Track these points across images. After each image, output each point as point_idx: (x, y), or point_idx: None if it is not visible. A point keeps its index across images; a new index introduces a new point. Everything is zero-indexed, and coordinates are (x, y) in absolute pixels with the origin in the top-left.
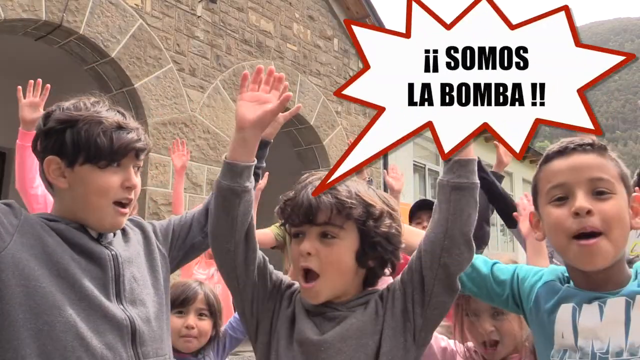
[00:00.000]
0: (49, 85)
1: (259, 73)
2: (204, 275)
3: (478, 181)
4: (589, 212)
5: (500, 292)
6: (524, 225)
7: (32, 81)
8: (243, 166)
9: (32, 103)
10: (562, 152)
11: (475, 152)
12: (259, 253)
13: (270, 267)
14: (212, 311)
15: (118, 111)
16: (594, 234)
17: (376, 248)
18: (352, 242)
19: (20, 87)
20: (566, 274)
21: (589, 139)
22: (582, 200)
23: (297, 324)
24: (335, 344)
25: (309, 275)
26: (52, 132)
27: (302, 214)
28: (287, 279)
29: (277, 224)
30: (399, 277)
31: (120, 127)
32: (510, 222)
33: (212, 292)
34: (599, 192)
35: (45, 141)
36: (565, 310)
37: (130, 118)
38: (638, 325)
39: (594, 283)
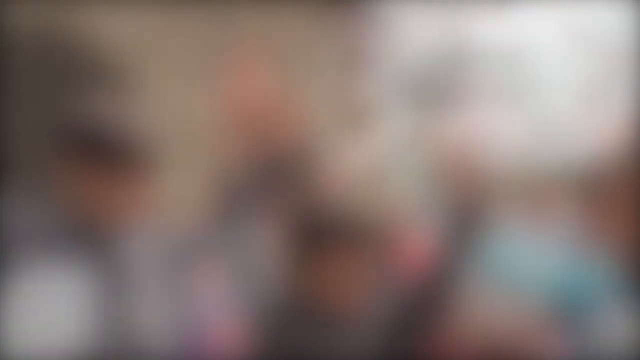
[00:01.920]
0: None
1: None
2: None
3: None
4: None
5: None
6: None
7: None
8: None
9: None
10: None
11: None
12: None
13: None
14: None
15: (133, 114)
16: None
17: None
18: None
19: None
20: None
21: None
22: None
23: None
24: None
25: None
26: (65, 127)
27: None
28: None
29: None
30: None
31: (137, 129)
32: None
33: None
34: None
35: (58, 136)
36: None
37: (143, 122)
38: None
39: None
